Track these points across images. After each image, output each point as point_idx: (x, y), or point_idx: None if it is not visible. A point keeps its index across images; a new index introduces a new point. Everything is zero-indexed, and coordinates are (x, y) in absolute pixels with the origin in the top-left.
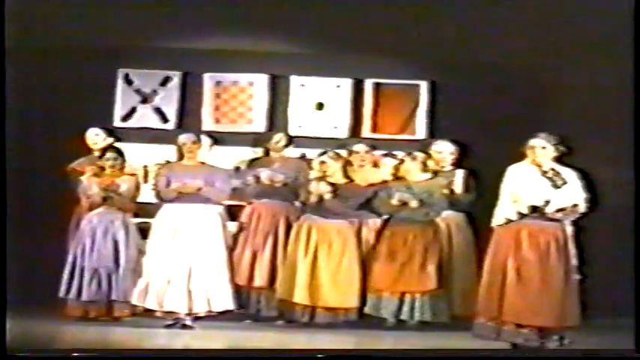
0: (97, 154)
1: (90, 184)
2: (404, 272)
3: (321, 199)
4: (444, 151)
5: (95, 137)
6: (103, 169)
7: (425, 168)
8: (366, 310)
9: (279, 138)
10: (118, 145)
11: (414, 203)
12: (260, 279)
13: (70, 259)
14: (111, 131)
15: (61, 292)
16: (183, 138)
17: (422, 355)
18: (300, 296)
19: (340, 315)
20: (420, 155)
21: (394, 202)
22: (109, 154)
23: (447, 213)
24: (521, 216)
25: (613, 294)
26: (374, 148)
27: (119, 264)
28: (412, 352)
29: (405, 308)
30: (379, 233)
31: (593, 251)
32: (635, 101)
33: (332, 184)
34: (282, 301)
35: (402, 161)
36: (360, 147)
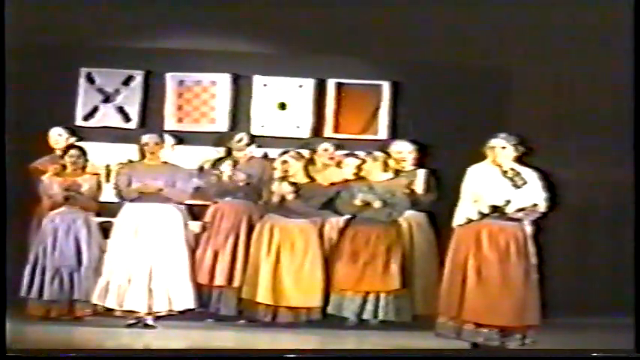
0: (59, 152)
1: (51, 184)
2: (367, 272)
3: (283, 198)
4: (404, 150)
5: (58, 137)
6: (64, 167)
7: (386, 168)
8: (329, 309)
9: (241, 137)
10: (80, 144)
11: (377, 204)
12: (221, 277)
13: (31, 258)
14: (73, 130)
15: (23, 292)
16: (146, 137)
17: (385, 355)
18: (263, 296)
19: (303, 314)
20: (380, 155)
21: (357, 202)
22: (71, 152)
23: (409, 212)
24: (482, 216)
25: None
26: (337, 147)
27: (81, 263)
28: (375, 351)
29: (369, 307)
30: (342, 233)
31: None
32: (635, 102)
33: (294, 184)
34: (244, 300)
35: (363, 161)
36: (325, 145)
